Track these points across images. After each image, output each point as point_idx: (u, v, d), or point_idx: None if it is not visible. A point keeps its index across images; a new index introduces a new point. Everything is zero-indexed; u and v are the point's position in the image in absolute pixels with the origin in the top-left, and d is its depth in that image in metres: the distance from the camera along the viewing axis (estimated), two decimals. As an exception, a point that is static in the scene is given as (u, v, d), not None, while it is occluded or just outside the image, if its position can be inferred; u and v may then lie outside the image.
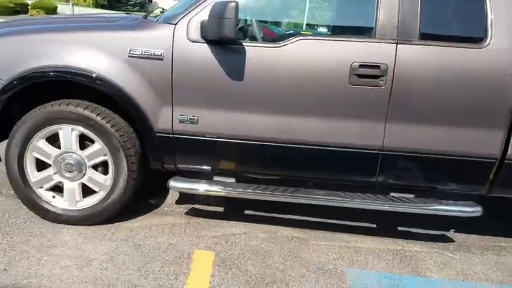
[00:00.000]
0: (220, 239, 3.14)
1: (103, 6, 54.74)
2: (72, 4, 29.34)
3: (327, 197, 3.03)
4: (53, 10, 26.87)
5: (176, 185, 3.05)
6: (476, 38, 2.82)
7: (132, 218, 3.28)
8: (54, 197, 3.09)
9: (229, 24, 2.59)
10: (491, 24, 2.80)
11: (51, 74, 2.83)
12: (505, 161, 2.89)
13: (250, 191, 3.04)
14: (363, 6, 3.23)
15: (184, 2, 3.36)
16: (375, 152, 2.91)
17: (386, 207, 3.01)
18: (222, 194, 3.05)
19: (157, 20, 3.10)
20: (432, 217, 3.27)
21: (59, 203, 3.08)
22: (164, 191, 3.86)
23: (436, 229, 3.57)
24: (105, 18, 4.15)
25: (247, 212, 3.61)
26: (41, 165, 3.06)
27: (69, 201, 3.06)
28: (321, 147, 2.93)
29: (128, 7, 59.09)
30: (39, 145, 2.97)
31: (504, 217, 3.76)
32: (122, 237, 3.02)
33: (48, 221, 3.09)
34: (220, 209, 3.62)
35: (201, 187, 3.04)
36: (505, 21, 2.79)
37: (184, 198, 3.72)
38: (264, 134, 2.92)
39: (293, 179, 3.22)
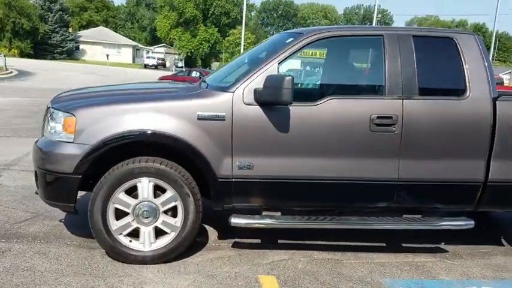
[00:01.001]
0: (273, 265, 3.74)
1: (29, 56, 53.30)
2: (4, 56, 28.83)
3: (359, 222, 3.78)
4: (-16, 62, 26.08)
5: (237, 221, 3.63)
6: (460, 91, 3.77)
7: (192, 255, 3.79)
8: (131, 241, 3.55)
9: (287, 93, 3.32)
10: (468, 80, 3.76)
11: (139, 137, 3.40)
12: (488, 184, 3.81)
13: (297, 221, 3.72)
14: (375, 72, 4.13)
15: (225, 71, 4.12)
16: (393, 182, 3.72)
17: (405, 226, 3.81)
18: (275, 225, 3.70)
19: (207, 87, 3.80)
20: (424, 232, 4.17)
21: (135, 246, 3.54)
22: (202, 229, 4.39)
23: (430, 243, 4.41)
24: (167, 88, 4.82)
25: (280, 241, 4.24)
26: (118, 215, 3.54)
27: (144, 244, 3.54)
28: (351, 181, 3.69)
29: (55, 55, 57.96)
30: (120, 197, 3.46)
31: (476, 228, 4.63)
32: (193, 271, 3.53)
33: (126, 263, 3.52)
34: (258, 240, 4.22)
35: (258, 221, 3.67)
36: (477, 75, 3.76)
37: (224, 233, 4.28)
38: (306, 174, 3.63)
39: (325, 209, 3.92)
